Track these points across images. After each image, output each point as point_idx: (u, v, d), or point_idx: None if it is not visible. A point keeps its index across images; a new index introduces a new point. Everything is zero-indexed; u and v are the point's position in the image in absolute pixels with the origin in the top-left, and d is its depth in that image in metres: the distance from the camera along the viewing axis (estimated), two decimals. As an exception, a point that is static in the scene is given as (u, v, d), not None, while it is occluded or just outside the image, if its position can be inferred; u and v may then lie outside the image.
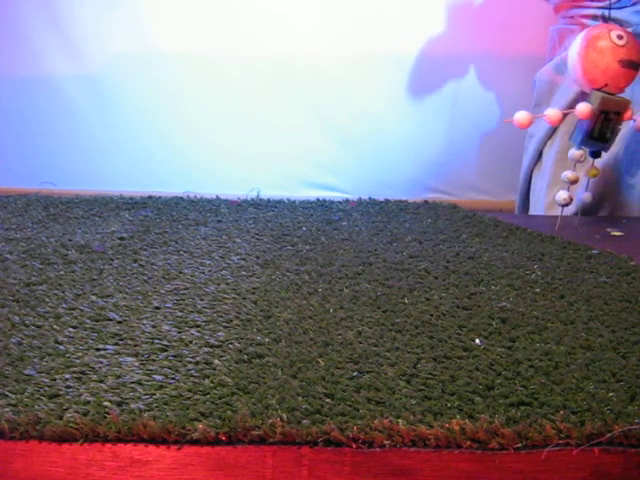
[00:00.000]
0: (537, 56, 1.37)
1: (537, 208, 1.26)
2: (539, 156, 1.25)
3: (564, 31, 1.20)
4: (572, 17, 1.18)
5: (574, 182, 0.98)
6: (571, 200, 0.99)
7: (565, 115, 0.94)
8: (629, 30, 0.93)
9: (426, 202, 1.14)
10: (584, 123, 0.93)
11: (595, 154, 0.97)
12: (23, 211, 1.04)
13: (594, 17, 1.12)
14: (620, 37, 0.89)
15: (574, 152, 0.96)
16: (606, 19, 1.02)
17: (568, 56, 0.95)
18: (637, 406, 0.45)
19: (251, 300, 0.66)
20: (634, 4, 1.09)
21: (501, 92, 1.58)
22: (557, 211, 1.12)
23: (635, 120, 0.95)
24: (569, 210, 1.12)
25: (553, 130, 1.20)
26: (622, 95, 0.92)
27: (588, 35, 0.92)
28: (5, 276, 0.72)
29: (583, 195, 1.01)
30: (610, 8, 1.03)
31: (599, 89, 0.91)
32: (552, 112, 0.93)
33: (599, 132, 0.92)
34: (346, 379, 0.49)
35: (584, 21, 1.13)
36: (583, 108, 0.91)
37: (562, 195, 0.98)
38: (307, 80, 1.60)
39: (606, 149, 0.96)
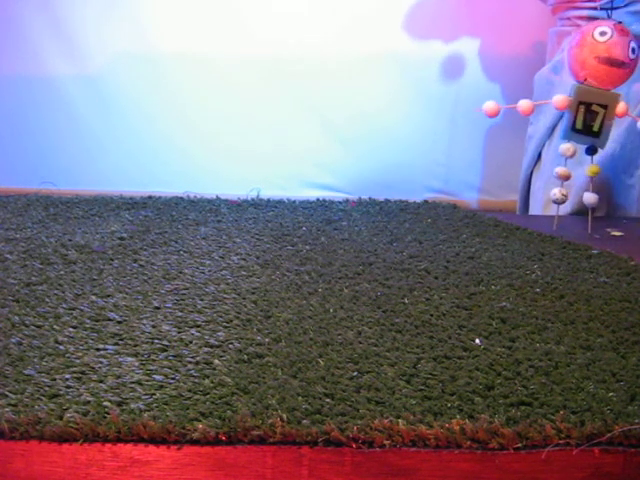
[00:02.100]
0: (537, 56, 1.38)
1: (535, 207, 1.26)
2: (539, 157, 1.25)
3: (562, 33, 1.20)
4: (569, 18, 1.18)
5: (565, 178, 0.97)
6: (566, 197, 0.98)
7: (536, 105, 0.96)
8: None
9: (426, 202, 1.14)
10: (569, 117, 0.94)
11: (590, 151, 0.97)
12: (23, 211, 1.04)
13: (589, 18, 1.12)
14: (603, 34, 0.90)
15: (562, 146, 0.96)
16: (609, 16, 1.03)
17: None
18: (637, 406, 0.45)
19: (251, 300, 0.66)
20: (627, 5, 1.10)
21: (502, 92, 1.57)
22: (553, 210, 1.12)
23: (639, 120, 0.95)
24: (565, 209, 1.11)
25: (551, 131, 1.21)
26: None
27: (580, 31, 0.94)
28: (5, 276, 0.72)
29: (589, 197, 0.99)
30: (605, 9, 1.04)
31: (581, 83, 0.92)
32: (524, 103, 0.94)
33: (582, 124, 0.92)
34: (346, 379, 0.49)
35: (580, 22, 1.14)
36: (558, 98, 0.93)
37: (554, 191, 0.97)
38: (307, 80, 1.60)
39: (600, 144, 0.95)
